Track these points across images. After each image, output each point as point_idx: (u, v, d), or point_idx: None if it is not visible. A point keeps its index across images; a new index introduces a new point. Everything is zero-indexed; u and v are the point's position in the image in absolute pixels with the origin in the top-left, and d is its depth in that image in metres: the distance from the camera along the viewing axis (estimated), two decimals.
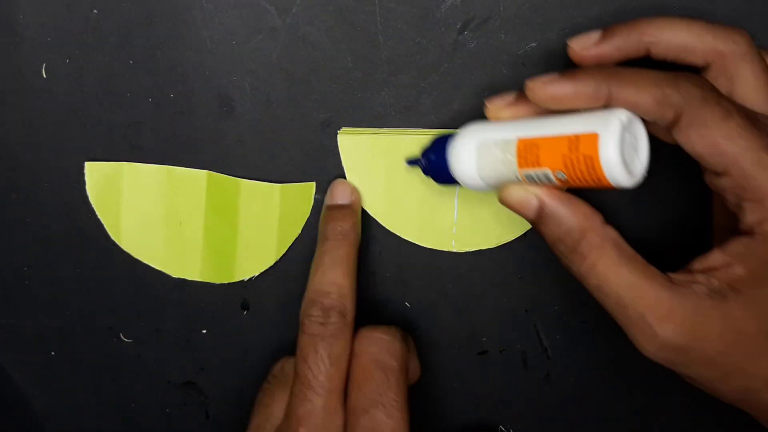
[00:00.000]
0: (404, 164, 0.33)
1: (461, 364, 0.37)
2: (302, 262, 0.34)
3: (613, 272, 0.26)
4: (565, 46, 0.32)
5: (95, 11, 0.32)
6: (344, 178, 0.33)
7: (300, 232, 0.34)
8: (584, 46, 0.28)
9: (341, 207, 0.32)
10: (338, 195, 0.33)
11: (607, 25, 0.31)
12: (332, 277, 0.30)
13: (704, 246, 0.28)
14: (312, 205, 0.34)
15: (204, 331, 0.36)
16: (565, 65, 0.32)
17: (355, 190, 0.33)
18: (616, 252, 0.26)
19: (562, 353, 0.37)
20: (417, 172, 0.33)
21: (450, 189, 0.34)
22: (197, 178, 0.33)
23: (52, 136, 0.34)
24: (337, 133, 0.33)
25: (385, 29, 0.32)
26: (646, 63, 0.28)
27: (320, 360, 0.29)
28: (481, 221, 0.34)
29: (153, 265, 0.34)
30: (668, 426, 0.38)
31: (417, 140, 0.33)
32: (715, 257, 0.26)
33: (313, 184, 0.33)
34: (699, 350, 0.25)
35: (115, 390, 0.36)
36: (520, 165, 0.26)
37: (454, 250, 0.34)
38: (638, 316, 0.25)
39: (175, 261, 0.34)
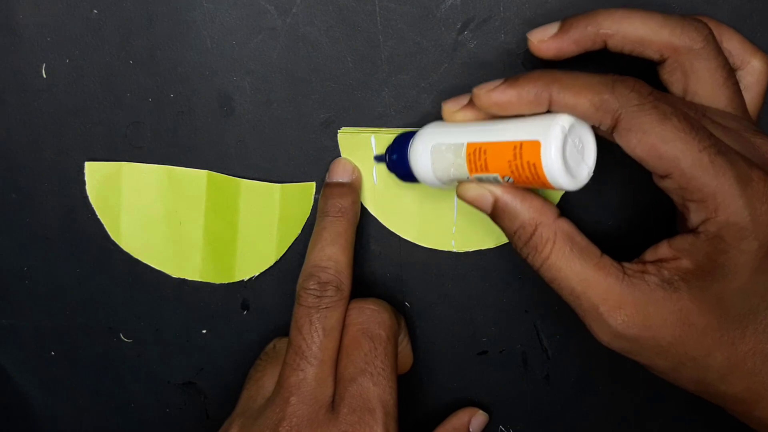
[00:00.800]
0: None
1: (461, 364, 0.37)
2: (302, 262, 0.34)
3: (565, 265, 0.26)
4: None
5: (95, 11, 0.32)
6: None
7: (300, 231, 0.34)
8: (541, 38, 0.28)
9: (341, 184, 0.33)
10: (338, 172, 0.33)
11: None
12: (330, 252, 0.31)
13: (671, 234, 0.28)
14: (312, 204, 0.34)
15: (204, 331, 0.36)
16: (565, 65, 0.32)
17: (356, 169, 0.33)
18: (568, 245, 0.26)
19: (562, 353, 0.37)
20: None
21: (450, 190, 0.34)
22: (197, 177, 0.33)
23: (52, 136, 0.34)
24: (336, 133, 0.33)
25: (385, 29, 0.32)
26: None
27: (314, 331, 0.29)
28: (481, 221, 0.34)
29: (153, 265, 0.34)
30: (668, 426, 0.38)
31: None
32: (664, 249, 0.26)
33: (313, 184, 0.33)
34: (651, 339, 0.26)
35: (115, 390, 0.37)
36: (470, 170, 0.27)
37: (454, 250, 0.34)
38: (591, 307, 0.26)
39: (175, 261, 0.34)
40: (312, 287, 0.30)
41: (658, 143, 0.24)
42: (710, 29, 0.27)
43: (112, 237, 0.34)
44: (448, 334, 0.36)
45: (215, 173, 0.33)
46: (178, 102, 0.33)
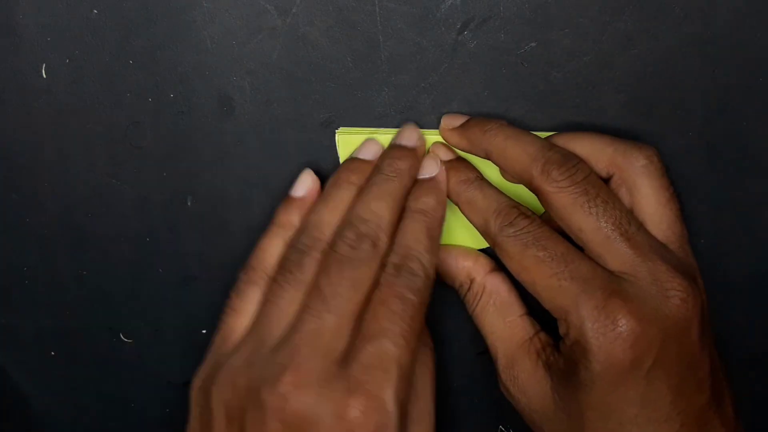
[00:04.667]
0: None
1: (461, 364, 0.37)
2: None
3: (484, 317, 0.32)
4: (565, 46, 0.32)
5: (95, 11, 0.32)
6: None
7: None
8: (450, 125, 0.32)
9: (403, 148, 0.32)
10: (405, 137, 0.32)
11: (607, 24, 0.31)
12: (375, 207, 0.30)
13: None
14: None
15: (204, 331, 0.36)
16: (565, 65, 0.32)
17: (421, 137, 0.33)
18: (491, 299, 0.32)
19: None
20: None
21: None
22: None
23: (52, 136, 0.34)
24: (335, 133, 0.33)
25: (385, 29, 0.32)
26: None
27: (343, 280, 0.28)
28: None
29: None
30: None
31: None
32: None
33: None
34: (524, 404, 0.30)
35: (115, 390, 0.37)
36: None
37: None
38: (494, 355, 0.32)
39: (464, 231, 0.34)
40: (349, 237, 0.29)
41: (518, 270, 0.29)
42: (655, 152, 0.30)
43: None
44: (448, 334, 0.36)
45: None
46: (178, 102, 0.33)
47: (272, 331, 0.29)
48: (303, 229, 0.31)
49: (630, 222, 0.28)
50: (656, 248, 0.28)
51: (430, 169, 0.32)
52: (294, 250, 0.30)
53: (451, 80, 0.33)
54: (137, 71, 0.33)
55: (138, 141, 0.34)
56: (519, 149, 0.30)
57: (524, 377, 0.30)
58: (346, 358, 0.27)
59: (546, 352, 0.30)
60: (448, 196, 0.32)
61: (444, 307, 0.36)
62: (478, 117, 0.32)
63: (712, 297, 0.31)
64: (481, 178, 0.32)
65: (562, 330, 0.29)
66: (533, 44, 0.33)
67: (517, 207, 0.30)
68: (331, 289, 0.28)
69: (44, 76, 0.33)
